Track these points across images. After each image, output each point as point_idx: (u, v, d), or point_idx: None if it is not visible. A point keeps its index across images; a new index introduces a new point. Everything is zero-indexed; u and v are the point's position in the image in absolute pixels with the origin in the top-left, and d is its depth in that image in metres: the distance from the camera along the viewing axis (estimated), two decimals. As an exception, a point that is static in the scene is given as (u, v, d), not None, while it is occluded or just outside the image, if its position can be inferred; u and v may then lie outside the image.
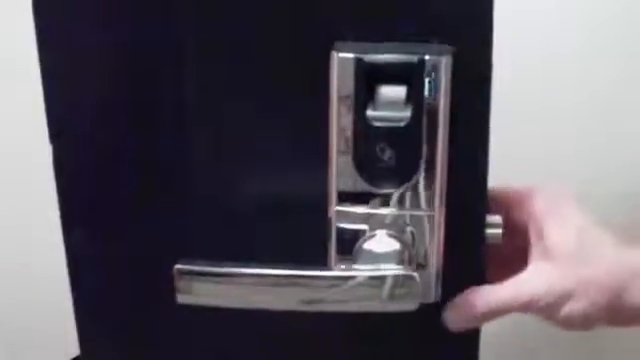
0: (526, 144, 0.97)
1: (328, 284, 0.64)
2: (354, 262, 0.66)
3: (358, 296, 0.64)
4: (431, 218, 0.66)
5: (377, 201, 0.66)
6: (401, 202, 0.65)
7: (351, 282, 0.64)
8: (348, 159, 0.64)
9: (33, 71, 0.68)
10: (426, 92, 0.63)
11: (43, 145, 0.70)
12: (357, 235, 0.66)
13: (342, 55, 0.63)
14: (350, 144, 0.64)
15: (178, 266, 0.64)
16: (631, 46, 0.97)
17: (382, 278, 0.63)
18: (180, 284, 0.64)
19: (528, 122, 0.97)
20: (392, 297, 0.63)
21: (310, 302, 0.64)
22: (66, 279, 0.74)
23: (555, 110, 0.97)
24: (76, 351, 0.78)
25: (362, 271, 0.64)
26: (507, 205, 0.71)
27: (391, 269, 0.64)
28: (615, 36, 0.97)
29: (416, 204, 0.65)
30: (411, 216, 0.66)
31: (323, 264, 0.67)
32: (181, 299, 0.65)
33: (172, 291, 0.66)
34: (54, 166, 0.71)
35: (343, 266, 0.66)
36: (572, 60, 0.96)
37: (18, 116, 0.97)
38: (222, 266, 0.64)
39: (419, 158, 0.64)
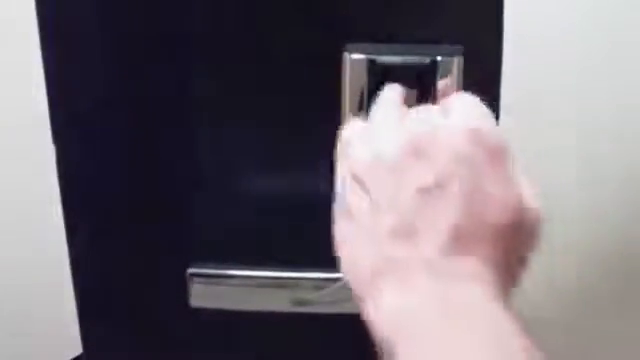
0: (532, 140, 0.97)
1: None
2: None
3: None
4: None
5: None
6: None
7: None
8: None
9: (36, 71, 0.67)
10: (438, 92, 0.63)
11: (46, 145, 0.69)
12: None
13: (354, 56, 0.62)
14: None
15: (191, 270, 0.64)
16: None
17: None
18: (193, 287, 0.64)
19: (533, 120, 0.97)
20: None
21: (328, 303, 0.64)
22: (68, 279, 0.73)
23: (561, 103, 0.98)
24: (77, 351, 0.77)
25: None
26: None
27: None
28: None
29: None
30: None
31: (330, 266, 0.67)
32: (194, 302, 0.65)
33: (175, 292, 0.66)
34: (57, 166, 0.70)
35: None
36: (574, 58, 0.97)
37: (20, 116, 0.96)
38: (236, 269, 0.64)
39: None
